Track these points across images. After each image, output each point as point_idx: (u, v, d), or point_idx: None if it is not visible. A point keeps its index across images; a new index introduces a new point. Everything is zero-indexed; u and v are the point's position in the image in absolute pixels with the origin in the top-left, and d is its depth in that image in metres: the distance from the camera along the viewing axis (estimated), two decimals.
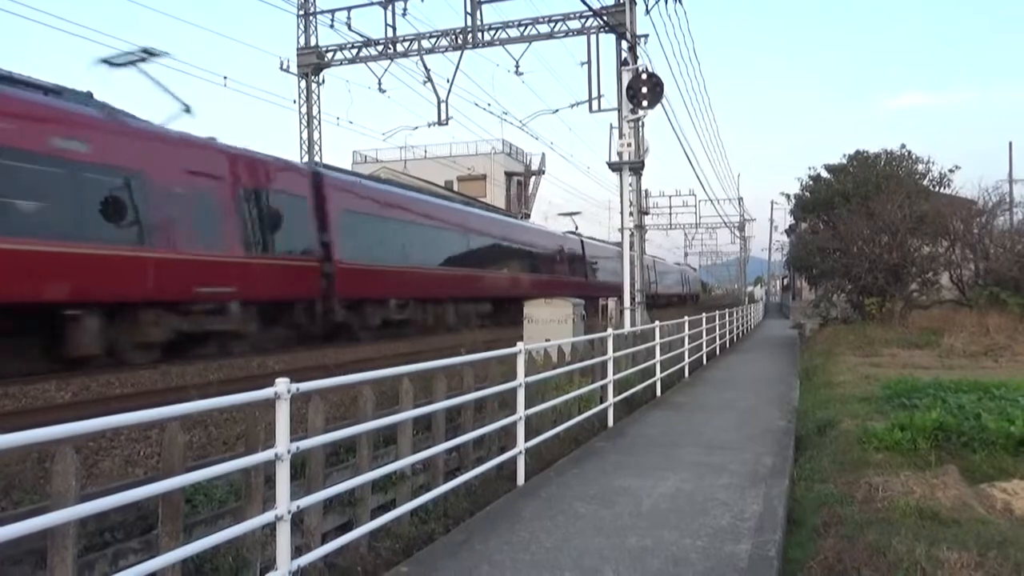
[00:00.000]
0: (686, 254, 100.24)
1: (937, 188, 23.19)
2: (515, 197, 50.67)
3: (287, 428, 3.48)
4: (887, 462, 6.29)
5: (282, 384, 3.50)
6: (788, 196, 27.39)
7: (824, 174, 26.09)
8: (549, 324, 14.02)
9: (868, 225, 21.58)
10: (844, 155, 26.15)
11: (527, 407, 6.22)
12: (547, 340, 12.27)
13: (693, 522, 4.92)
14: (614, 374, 8.95)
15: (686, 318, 14.65)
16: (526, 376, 6.19)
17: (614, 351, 8.96)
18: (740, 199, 60.42)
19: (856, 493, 5.52)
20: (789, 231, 36.99)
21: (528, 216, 52.37)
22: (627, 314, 16.93)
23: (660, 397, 11.16)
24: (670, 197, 55.59)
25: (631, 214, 18.11)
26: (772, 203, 77.00)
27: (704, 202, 54.46)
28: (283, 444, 3.48)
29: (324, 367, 14.68)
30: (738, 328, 26.23)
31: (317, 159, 23.78)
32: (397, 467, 4.76)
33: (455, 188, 48.60)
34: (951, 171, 23.30)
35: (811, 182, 26.14)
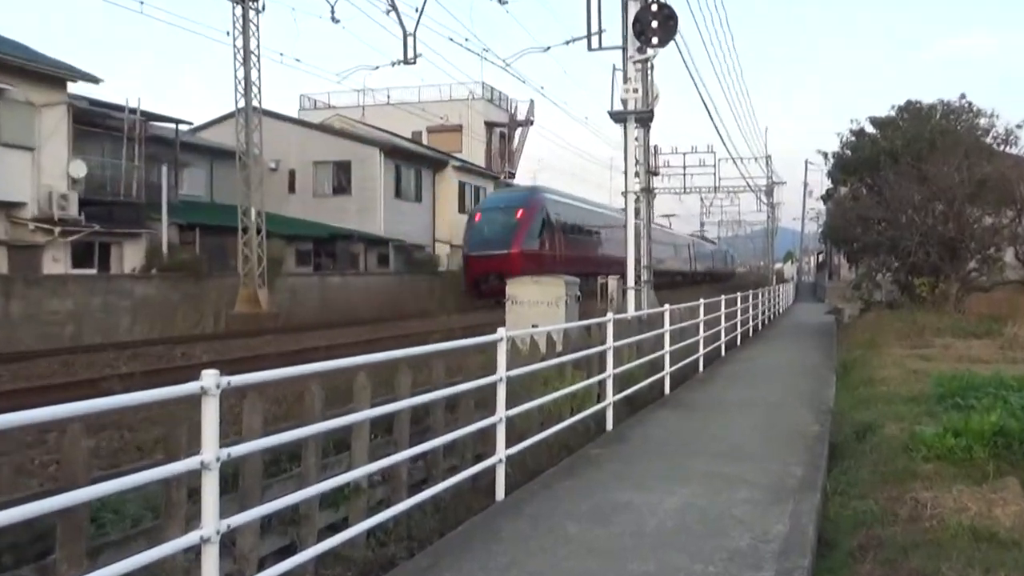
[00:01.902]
0: (703, 223, 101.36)
1: (1002, 147, 23.21)
2: (497, 152, 50.37)
3: (216, 431, 3.44)
4: (937, 473, 6.34)
5: (210, 377, 3.45)
6: (825, 155, 27.52)
7: (869, 129, 26.17)
8: (537, 307, 14.09)
9: (919, 190, 21.69)
10: (892, 107, 26.27)
11: (509, 406, 6.23)
12: (534, 326, 12.38)
13: (706, 544, 4.91)
14: (614, 367, 9.00)
15: (701, 300, 14.74)
16: (508, 369, 6.19)
17: (615, 340, 8.98)
18: (768, 158, 60.50)
19: (900, 510, 5.54)
20: (826, 197, 37.20)
21: (512, 176, 52.30)
22: (631, 295, 17.00)
23: (669, 395, 11.26)
24: (684, 155, 55.58)
25: (637, 174, 18.09)
26: (806, 163, 77.42)
27: (725, 161, 54.48)
28: (211, 450, 3.44)
29: (263, 357, 14.74)
30: (764, 313, 26.40)
31: (256, 103, 23.87)
32: (351, 478, 4.75)
33: (424, 141, 48.29)
34: (1020, 127, 23.06)
35: (853, 138, 26.20)
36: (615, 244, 31.47)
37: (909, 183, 21.96)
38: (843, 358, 15.28)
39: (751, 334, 21.76)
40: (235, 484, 4.64)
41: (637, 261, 18.34)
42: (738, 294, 19.99)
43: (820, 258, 69.54)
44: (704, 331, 14.56)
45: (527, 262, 28.08)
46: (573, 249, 33.49)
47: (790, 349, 18.54)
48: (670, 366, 11.57)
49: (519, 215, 30.87)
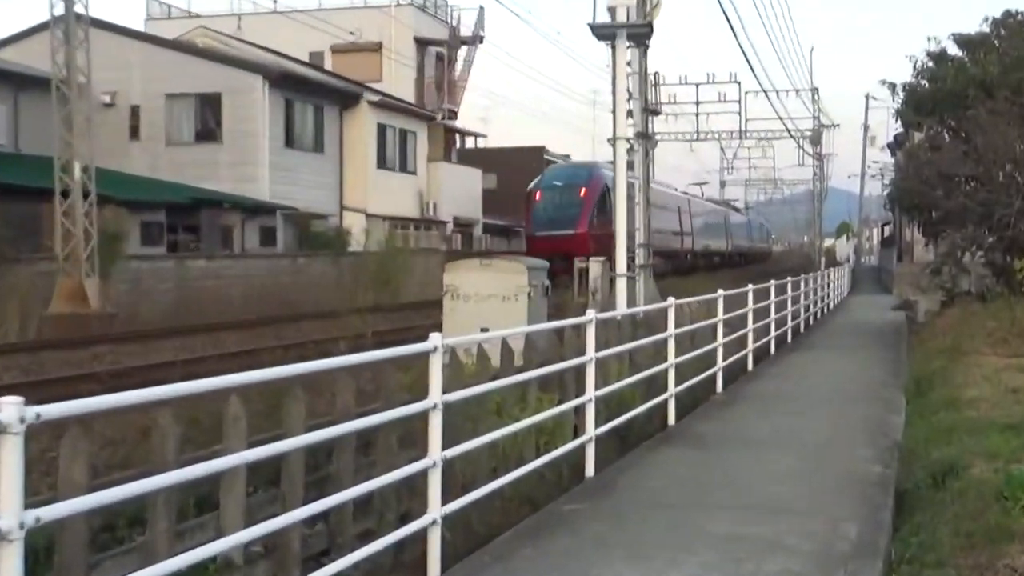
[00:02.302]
0: (723, 183, 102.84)
1: None
2: (433, 83, 50.28)
3: (17, 485, 3.40)
4: None
5: (9, 408, 3.41)
6: (893, 88, 27.75)
7: (953, 51, 26.55)
8: (488, 302, 14.20)
9: None
10: (985, 19, 26.55)
11: (447, 445, 6.25)
12: (484, 329, 12.41)
13: None
14: (597, 388, 9.08)
15: (720, 293, 14.92)
16: (446, 392, 6.22)
17: (598, 348, 9.08)
18: (814, 92, 61.18)
19: None
20: (894, 146, 37.66)
21: (454, 116, 52.47)
22: (620, 285, 17.24)
23: (675, 426, 11.43)
24: (697, 87, 55.78)
25: (630, 114, 18.27)
26: (867, 99, 78.24)
27: (754, 96, 54.99)
28: (10, 513, 3.40)
29: (91, 377, 14.58)
30: (810, 309, 26.95)
31: (80, 8, 23.52)
32: (218, 550, 4.72)
33: (328, 65, 47.97)
34: None
35: (931, 64, 26.51)
36: (709, 230, 43.02)
37: (1009, 126, 22.35)
38: (916, 371, 15.57)
39: (790, 338, 22.11)
40: (49, 560, 4.60)
41: (630, 237, 18.62)
42: (772, 283, 20.24)
43: (885, 232, 70.69)
44: (724, 335, 14.71)
45: (595, 243, 34.56)
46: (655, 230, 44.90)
47: (843, 359, 18.80)
48: (675, 385, 11.71)
49: (583, 193, 39.43)
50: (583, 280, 25.24)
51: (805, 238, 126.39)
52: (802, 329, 24.65)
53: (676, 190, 66.35)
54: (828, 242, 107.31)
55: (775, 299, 20.11)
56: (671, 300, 12.09)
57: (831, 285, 35.59)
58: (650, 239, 19.59)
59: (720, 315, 14.63)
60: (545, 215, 39.16)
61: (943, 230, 26.20)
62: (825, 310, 31.94)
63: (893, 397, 13.62)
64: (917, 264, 36.05)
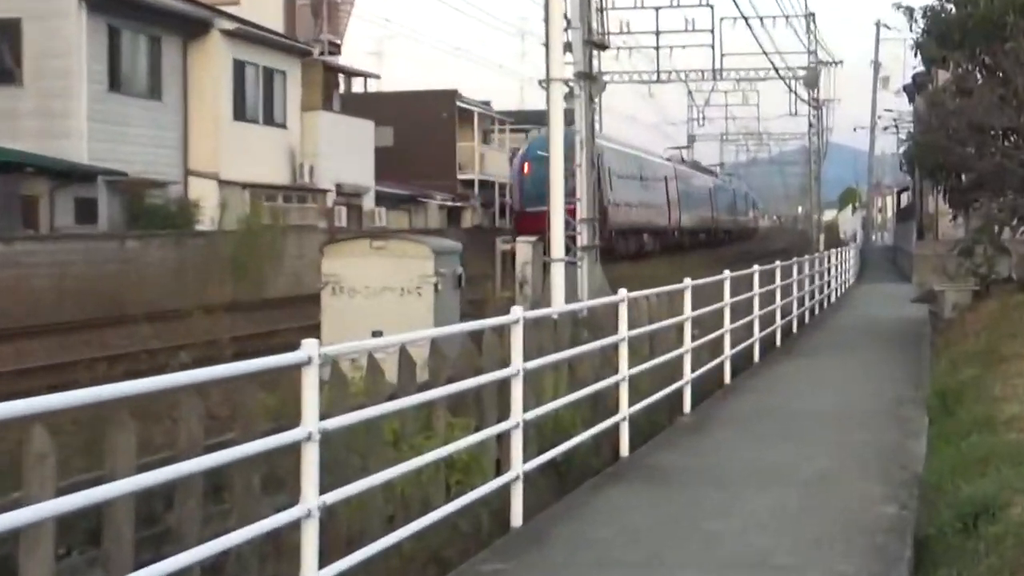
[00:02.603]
0: (692, 139, 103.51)
1: None
2: (307, 6, 49.89)
3: None
4: None
5: None
6: (910, 13, 28.11)
7: None
8: (382, 297, 14.21)
9: None
10: None
11: (326, 487, 6.24)
12: (376, 334, 12.36)
13: None
14: (526, 410, 9.12)
15: (688, 283, 15.07)
16: (325, 417, 6.21)
17: (527, 358, 9.13)
18: (809, 19, 61.91)
19: None
20: (912, 89, 38.14)
21: (337, 51, 52.17)
22: (556, 273, 17.44)
23: (629, 458, 11.53)
24: (657, 12, 56.22)
25: (568, 47, 18.30)
26: (878, 28, 79.00)
27: (731, 23, 55.48)
28: None
29: None
30: (805, 301, 27.51)
31: None
32: None
33: None
34: None
35: None
36: (680, 200, 54.32)
37: None
38: (942, 383, 15.82)
39: (779, 341, 22.47)
40: None
41: (570, 212, 18.78)
42: (756, 268, 20.52)
43: (902, 201, 71.50)
44: (694, 338, 14.88)
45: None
46: (633, 207, 55.76)
47: (848, 367, 19.10)
48: (629, 405, 11.79)
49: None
50: (508, 265, 25.44)
51: (799, 209, 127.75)
52: (795, 329, 24.99)
53: (681, 162, 71.54)
54: (828, 214, 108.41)
55: (760, 290, 20.36)
56: (623, 293, 12.16)
57: (833, 271, 36.12)
58: (595, 208, 19.77)
59: (687, 312, 14.73)
60: (533, 189, 43.46)
61: (975, 199, 26.69)
62: (825, 303, 32.33)
63: (912, 416, 13.85)
64: (943, 243, 36.64)
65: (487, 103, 68.56)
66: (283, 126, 45.23)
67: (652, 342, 14.17)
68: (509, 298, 20.90)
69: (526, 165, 47.87)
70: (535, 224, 39.98)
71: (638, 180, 58.87)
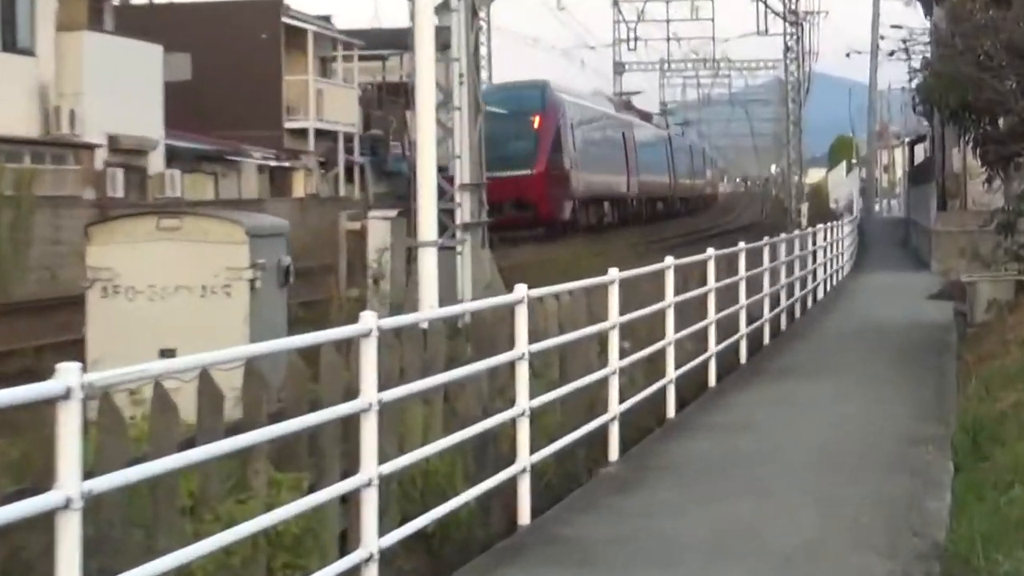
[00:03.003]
0: (621, 67, 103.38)
1: None
2: None
3: None
4: None
5: None
6: None
7: None
8: (175, 299, 14.11)
9: None
10: None
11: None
12: (166, 353, 12.21)
13: None
14: (383, 460, 9.10)
15: (615, 275, 15.14)
16: (93, 475, 6.15)
17: (385, 386, 9.11)
18: None
19: None
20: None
21: None
22: (426, 263, 17.48)
23: (529, 526, 11.61)
24: None
25: None
26: None
27: None
28: None
29: None
30: (780, 300, 27.98)
31: None
32: None
33: None
34: None
35: None
36: (653, 164, 69.85)
37: None
38: (972, 414, 16.00)
39: (745, 357, 22.88)
40: None
41: (447, 179, 18.80)
42: (710, 254, 20.75)
43: (916, 156, 71.89)
44: (623, 355, 15.05)
45: (555, 186, 57.27)
46: (595, 172, 67.60)
47: (840, 394, 19.29)
48: (531, 450, 11.83)
49: (538, 123, 60.08)
50: (355, 255, 25.39)
51: (773, 169, 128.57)
52: (767, 339, 25.36)
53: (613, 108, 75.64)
54: (814, 175, 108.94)
55: (716, 284, 20.52)
56: (520, 290, 12.18)
57: (820, 256, 36.47)
58: (481, 172, 19.79)
59: (614, 316, 14.80)
60: (492, 151, 48.08)
61: (1019, 151, 27.02)
62: (810, 301, 32.75)
63: (929, 461, 14.00)
64: (973, 214, 37.20)
65: (326, 19, 68.32)
66: (30, 53, 44.60)
67: (564, 360, 14.21)
68: (359, 299, 20.85)
69: None
70: (493, 190, 45.03)
71: (599, 138, 68.60)
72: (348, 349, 9.42)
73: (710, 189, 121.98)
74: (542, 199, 58.12)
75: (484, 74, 71.69)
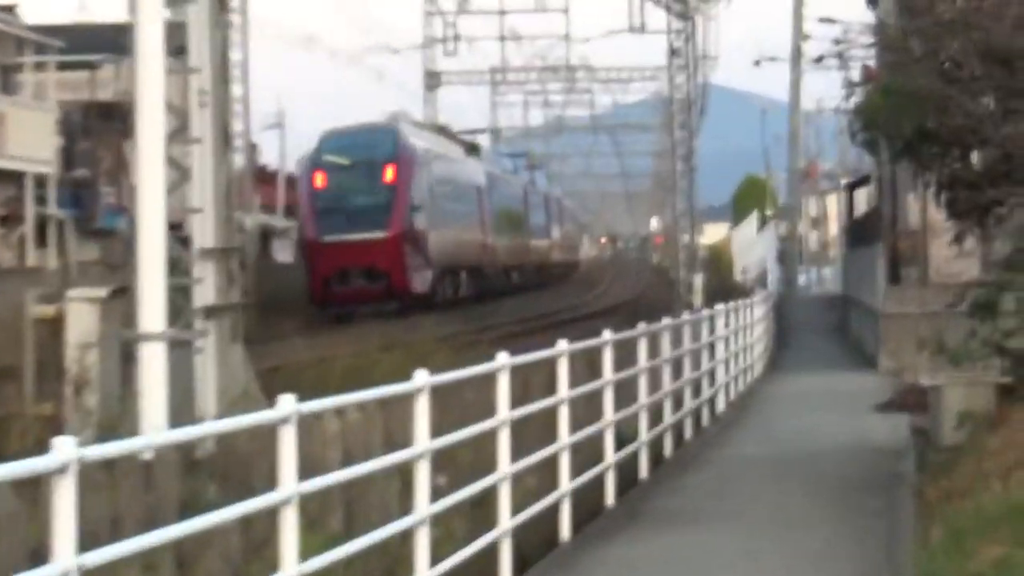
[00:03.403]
0: (434, 82, 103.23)
1: None
2: None
3: None
4: None
5: None
6: None
7: None
8: None
9: None
10: None
11: None
12: None
13: None
14: None
15: (424, 379, 15.17)
16: None
17: (85, 547, 9.04)
18: None
19: None
20: None
21: None
22: (152, 367, 17.47)
23: None
24: None
25: None
26: None
27: None
28: None
29: None
30: (663, 417, 28.25)
31: None
32: None
33: None
34: None
35: None
36: (508, 222, 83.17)
37: None
38: None
39: (612, 497, 22.88)
40: None
41: (182, 242, 18.76)
42: (562, 348, 20.74)
43: (857, 203, 72.15)
44: (438, 493, 15.10)
45: (412, 250, 63.75)
46: (452, 233, 76.55)
47: (750, 549, 19.39)
48: None
49: (392, 174, 68.28)
50: (47, 352, 25.19)
51: (653, 223, 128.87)
52: (644, 471, 25.49)
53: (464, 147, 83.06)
54: (713, 233, 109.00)
55: (569, 393, 20.59)
56: (287, 404, 12.16)
57: (721, 350, 36.78)
58: (232, 232, 19.74)
59: (423, 441, 14.83)
60: (335, 210, 63.82)
61: (999, 198, 27.19)
62: (706, 415, 32.86)
63: None
64: (936, 288, 37.64)
65: (8, 9, 68.14)
66: None
67: (351, 504, 14.22)
68: (53, 417, 20.70)
69: (318, 173, 66.47)
70: (338, 257, 57.87)
71: (453, 192, 79.64)
72: (37, 496, 9.33)
73: (570, 255, 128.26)
74: (396, 267, 66.53)
75: (237, 90, 71.81)
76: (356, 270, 62.39)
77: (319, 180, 64.34)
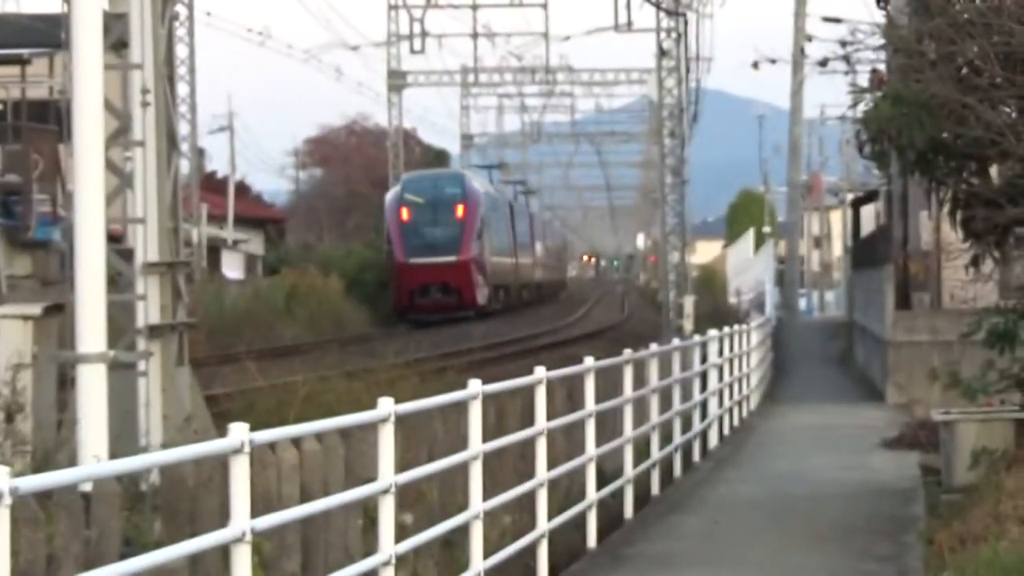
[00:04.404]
0: (399, 83, 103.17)
1: None
2: None
3: None
4: None
5: None
6: None
7: None
8: None
9: None
10: None
11: None
12: None
13: None
14: None
15: (388, 407, 15.21)
16: None
17: None
18: None
19: None
20: None
21: None
22: (88, 389, 17.49)
23: None
24: None
25: None
26: None
27: None
28: None
29: None
30: (651, 448, 28.34)
31: None
32: None
33: None
34: None
35: None
36: (524, 242, 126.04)
37: None
38: None
39: (594, 538, 22.94)
40: None
41: (124, 255, 18.72)
42: (540, 375, 20.75)
43: (863, 221, 71.97)
44: (404, 531, 15.21)
45: (477, 271, 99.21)
46: (500, 254, 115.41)
47: None
48: None
49: (462, 212, 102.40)
50: None
51: (640, 241, 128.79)
52: (629, 511, 25.54)
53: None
54: (705, 251, 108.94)
55: (548, 424, 20.62)
56: (239, 433, 12.17)
57: (714, 379, 36.70)
58: (178, 244, 19.75)
59: (388, 475, 14.88)
60: (417, 238, 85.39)
61: (1021, 218, 27.14)
62: (697, 451, 32.93)
63: None
64: (950, 315, 37.68)
65: None
66: None
67: (310, 543, 14.25)
68: None
69: (404, 210, 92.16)
70: (418, 275, 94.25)
71: (498, 222, 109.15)
72: None
73: (558, 274, 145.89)
74: (466, 285, 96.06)
75: (183, 89, 71.77)
76: (435, 286, 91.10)
77: (403, 213, 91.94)
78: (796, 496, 28.23)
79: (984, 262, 31.18)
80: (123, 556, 11.39)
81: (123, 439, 17.78)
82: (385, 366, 40.50)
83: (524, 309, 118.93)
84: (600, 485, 23.24)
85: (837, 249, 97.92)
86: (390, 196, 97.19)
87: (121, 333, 19.14)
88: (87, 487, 12.23)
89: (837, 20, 63.52)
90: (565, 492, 21.40)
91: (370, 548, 14.47)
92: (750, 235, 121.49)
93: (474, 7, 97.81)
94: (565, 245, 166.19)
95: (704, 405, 34.74)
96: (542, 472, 20.08)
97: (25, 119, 65.44)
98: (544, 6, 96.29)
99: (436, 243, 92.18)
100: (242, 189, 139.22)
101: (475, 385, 17.84)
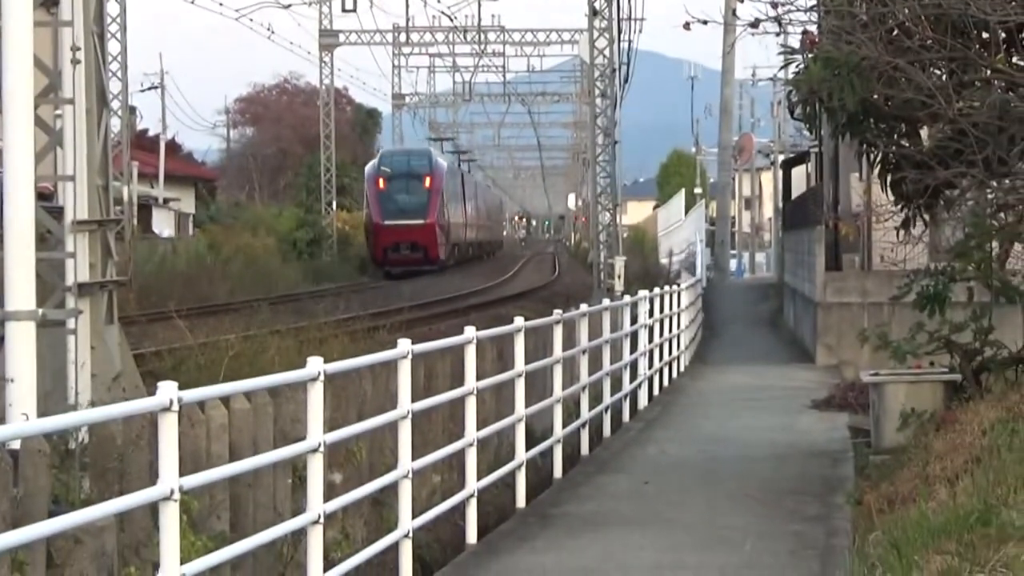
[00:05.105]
0: (328, 49, 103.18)
1: None
2: None
3: None
4: None
5: None
6: None
7: None
8: None
9: None
10: None
11: None
12: None
13: None
14: None
15: (317, 365, 15.17)
16: None
17: None
18: None
19: None
20: None
21: None
22: (16, 347, 17.41)
23: None
24: None
25: None
26: None
27: None
28: None
29: None
30: (580, 408, 28.41)
31: None
32: None
33: None
34: None
35: None
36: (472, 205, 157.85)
37: None
38: None
39: (523, 497, 23.01)
40: None
41: (54, 213, 18.52)
42: (471, 334, 20.74)
43: (794, 183, 71.93)
44: (333, 491, 15.17)
45: (440, 233, 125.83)
46: (464, 220, 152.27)
47: (672, 561, 19.40)
48: None
49: (428, 183, 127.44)
50: None
51: (571, 202, 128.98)
52: (558, 470, 25.38)
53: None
54: (636, 213, 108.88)
55: (478, 383, 20.62)
56: (168, 391, 12.14)
57: (644, 340, 37.09)
58: (108, 202, 19.66)
59: (316, 434, 14.85)
60: (392, 204, 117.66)
61: (951, 181, 27.10)
62: (627, 411, 33.40)
63: None
64: (880, 277, 37.70)
65: None
66: None
67: (239, 503, 14.23)
68: None
69: (381, 180, 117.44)
70: (391, 235, 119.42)
71: (453, 188, 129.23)
72: None
73: (496, 234, 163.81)
74: (431, 243, 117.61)
75: (114, 46, 71.70)
76: (404, 244, 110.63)
77: (381, 183, 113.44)
78: (725, 457, 28.24)
79: (915, 224, 31.15)
80: (51, 514, 11.38)
81: (52, 397, 17.69)
82: (316, 325, 40.46)
83: (468, 266, 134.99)
84: (529, 445, 23.25)
85: (768, 211, 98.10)
86: (369, 167, 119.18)
87: (50, 291, 19.01)
88: (15, 445, 12.20)
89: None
90: (495, 452, 21.41)
91: (299, 507, 14.47)
92: (681, 196, 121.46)
93: None
94: (501, 207, 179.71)
95: (634, 366, 34.73)
96: (471, 432, 20.06)
97: None
98: None
99: (407, 208, 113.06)
100: (173, 147, 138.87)
101: (404, 344, 17.84)
